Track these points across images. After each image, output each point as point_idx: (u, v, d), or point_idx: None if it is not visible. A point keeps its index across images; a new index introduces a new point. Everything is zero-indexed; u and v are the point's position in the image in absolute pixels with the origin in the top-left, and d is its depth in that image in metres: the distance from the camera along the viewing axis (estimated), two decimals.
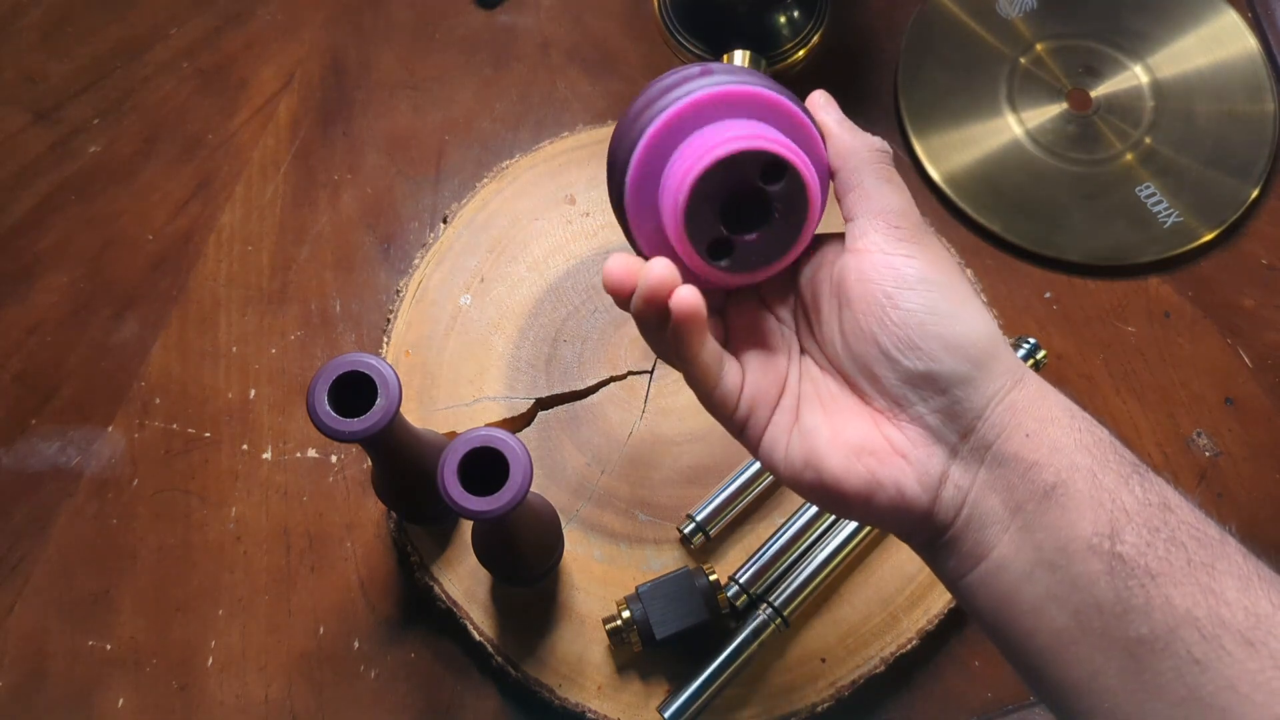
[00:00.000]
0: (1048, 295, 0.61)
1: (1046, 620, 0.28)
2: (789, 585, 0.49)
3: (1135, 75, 0.67)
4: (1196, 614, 0.26)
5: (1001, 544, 0.29)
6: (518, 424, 0.55)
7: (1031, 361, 0.54)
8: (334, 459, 0.56)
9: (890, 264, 0.31)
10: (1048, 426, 0.29)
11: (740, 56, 0.32)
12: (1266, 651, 0.25)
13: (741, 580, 0.49)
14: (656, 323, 0.31)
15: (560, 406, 0.55)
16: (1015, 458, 0.29)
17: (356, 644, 0.52)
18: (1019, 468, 0.29)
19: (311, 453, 0.56)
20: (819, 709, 0.48)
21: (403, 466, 0.45)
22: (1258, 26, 0.68)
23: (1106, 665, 0.27)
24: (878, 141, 0.33)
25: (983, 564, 0.30)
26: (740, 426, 0.33)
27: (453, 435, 0.50)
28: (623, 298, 0.31)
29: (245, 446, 0.56)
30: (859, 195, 0.32)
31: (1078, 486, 0.28)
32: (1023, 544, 0.29)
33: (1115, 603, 0.27)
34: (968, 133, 0.65)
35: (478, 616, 0.50)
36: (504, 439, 0.38)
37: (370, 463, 0.49)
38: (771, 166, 0.30)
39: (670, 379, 0.56)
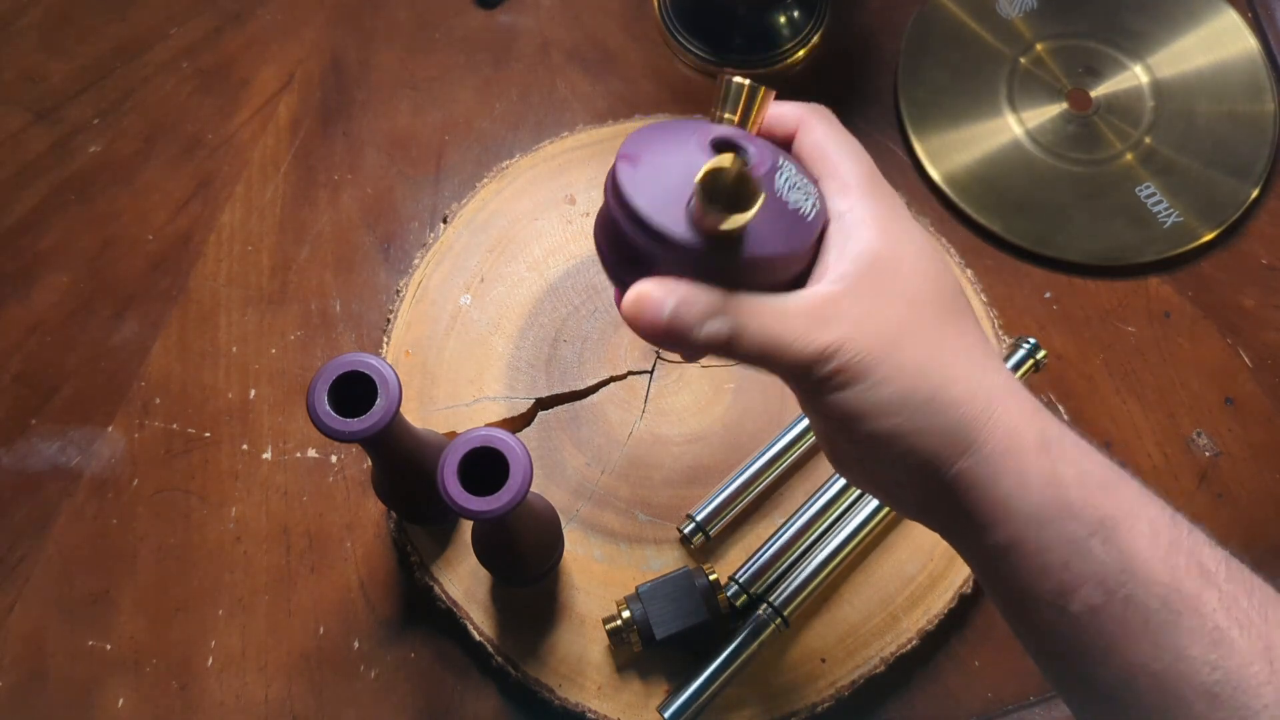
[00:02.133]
0: (1048, 295, 0.61)
1: (1020, 640, 0.32)
2: (789, 585, 0.49)
3: (1135, 75, 0.67)
4: (1153, 669, 0.27)
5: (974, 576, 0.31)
6: (518, 424, 0.55)
7: (1031, 362, 0.54)
8: (334, 459, 0.56)
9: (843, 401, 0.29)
10: (997, 488, 0.28)
11: (736, 90, 0.26)
12: (1230, 706, 0.26)
13: (741, 580, 0.49)
14: None
15: (560, 406, 0.55)
16: (968, 516, 0.29)
17: (356, 644, 0.52)
18: (972, 526, 0.29)
19: (311, 453, 0.56)
20: (819, 709, 0.48)
21: (403, 466, 0.45)
22: (1258, 26, 0.68)
23: (1073, 689, 0.30)
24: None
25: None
26: None
27: (453, 435, 0.50)
28: None
29: (245, 446, 0.56)
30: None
31: (1027, 549, 0.28)
32: (990, 589, 0.31)
33: (1070, 650, 0.29)
34: (968, 133, 0.65)
35: (478, 616, 0.50)
36: (504, 439, 0.38)
37: (370, 463, 0.49)
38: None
39: (670, 379, 0.56)
